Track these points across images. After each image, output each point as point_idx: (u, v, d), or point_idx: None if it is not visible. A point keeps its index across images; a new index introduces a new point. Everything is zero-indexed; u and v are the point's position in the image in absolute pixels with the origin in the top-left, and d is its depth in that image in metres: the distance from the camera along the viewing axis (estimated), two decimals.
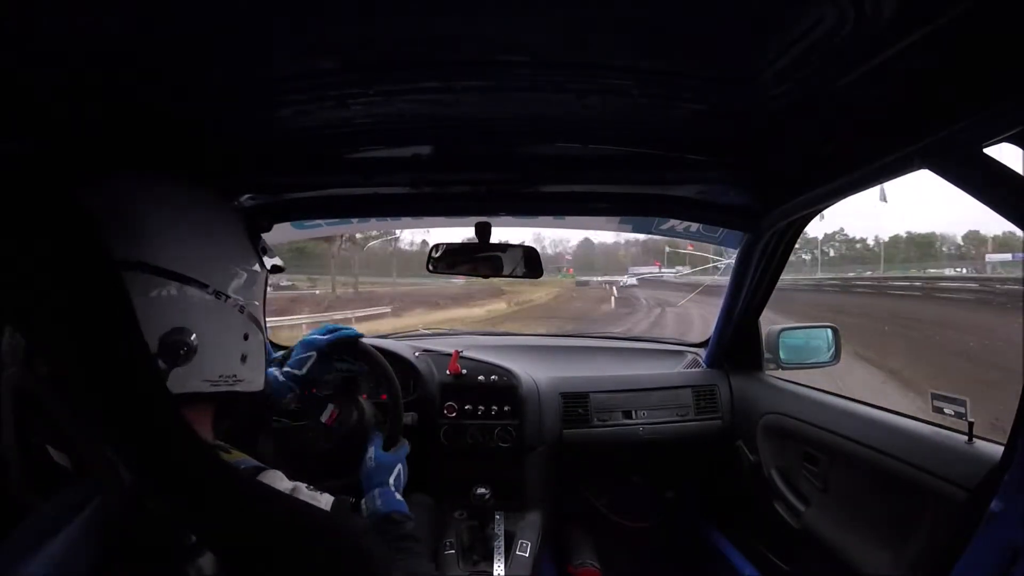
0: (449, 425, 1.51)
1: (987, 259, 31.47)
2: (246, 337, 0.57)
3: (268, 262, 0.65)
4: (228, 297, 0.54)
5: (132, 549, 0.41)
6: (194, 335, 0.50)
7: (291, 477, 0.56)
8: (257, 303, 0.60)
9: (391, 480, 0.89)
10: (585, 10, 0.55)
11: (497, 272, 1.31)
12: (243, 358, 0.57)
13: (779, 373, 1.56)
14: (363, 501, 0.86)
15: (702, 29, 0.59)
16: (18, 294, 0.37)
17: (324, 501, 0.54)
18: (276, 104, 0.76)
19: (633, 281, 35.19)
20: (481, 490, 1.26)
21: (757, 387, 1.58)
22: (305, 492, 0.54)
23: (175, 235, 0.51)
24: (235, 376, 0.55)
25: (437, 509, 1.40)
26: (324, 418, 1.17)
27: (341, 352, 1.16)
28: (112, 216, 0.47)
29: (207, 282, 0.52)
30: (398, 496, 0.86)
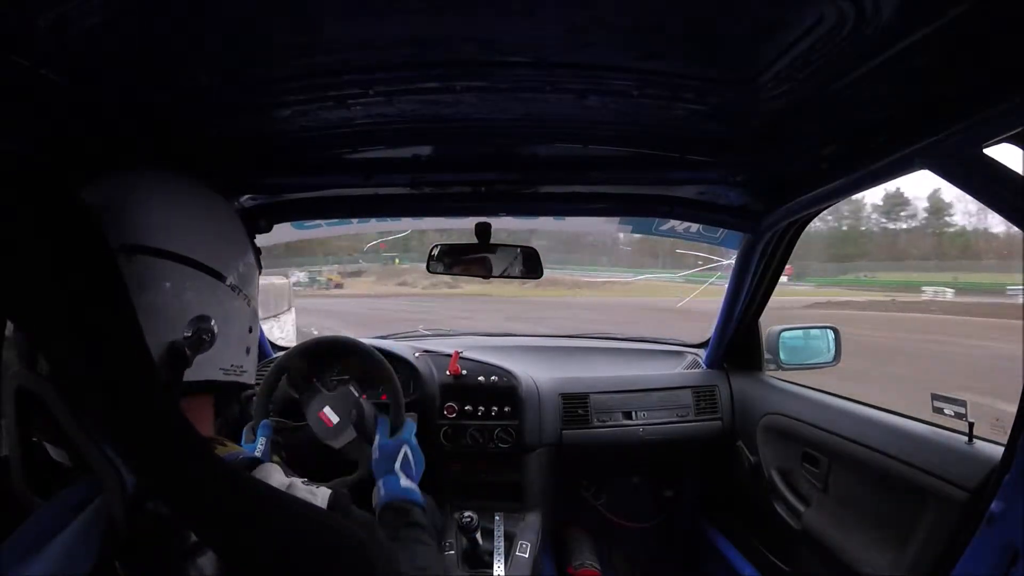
0: (449, 426, 1.51)
1: None
2: (250, 330, 0.60)
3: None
4: (240, 291, 0.56)
5: (132, 549, 0.41)
6: (215, 323, 0.52)
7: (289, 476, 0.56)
8: (257, 300, 0.62)
9: (396, 466, 0.85)
10: (585, 11, 0.55)
11: (496, 273, 1.31)
12: (247, 350, 0.59)
13: (779, 374, 1.56)
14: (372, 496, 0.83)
15: (702, 29, 0.59)
16: (18, 290, 0.37)
17: (321, 496, 0.53)
18: (276, 104, 0.76)
19: None
20: (467, 515, 1.24)
21: (757, 387, 1.58)
22: (301, 488, 0.53)
23: (195, 226, 0.53)
24: (241, 367, 0.58)
25: (438, 510, 1.39)
26: (322, 418, 1.17)
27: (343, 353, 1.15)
28: (132, 205, 0.49)
29: (225, 274, 0.54)
30: (403, 482, 0.82)
